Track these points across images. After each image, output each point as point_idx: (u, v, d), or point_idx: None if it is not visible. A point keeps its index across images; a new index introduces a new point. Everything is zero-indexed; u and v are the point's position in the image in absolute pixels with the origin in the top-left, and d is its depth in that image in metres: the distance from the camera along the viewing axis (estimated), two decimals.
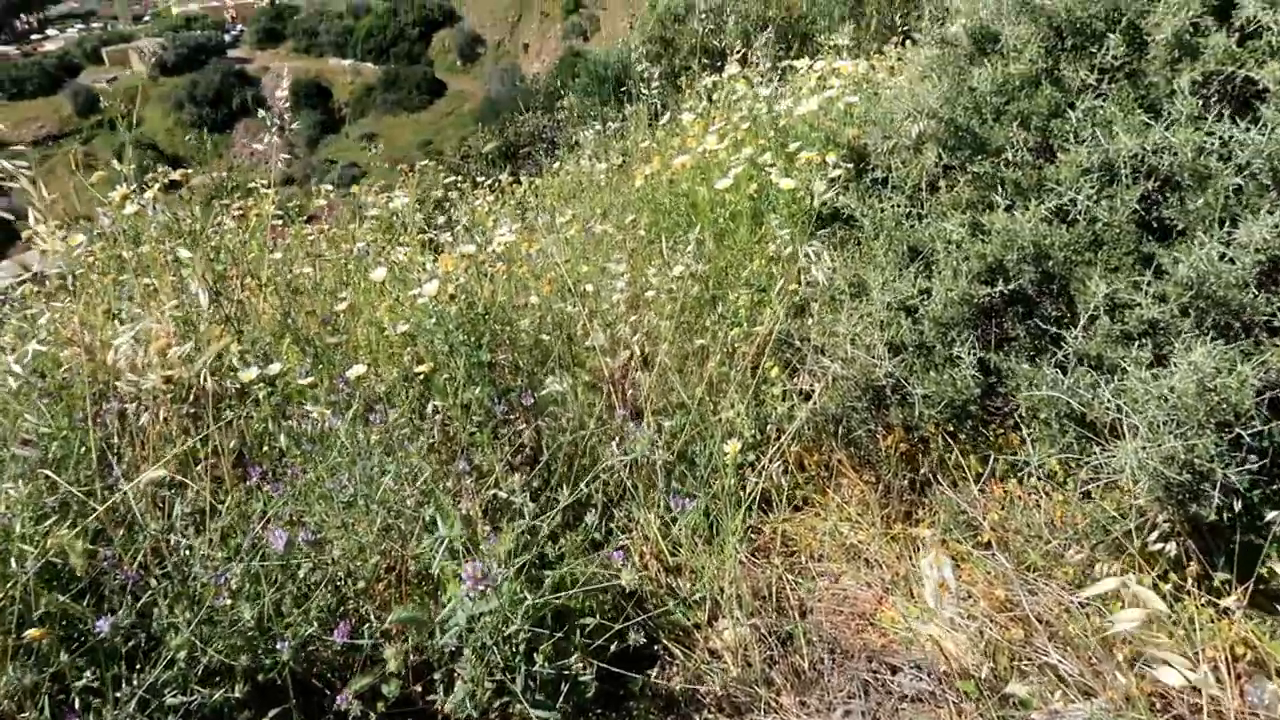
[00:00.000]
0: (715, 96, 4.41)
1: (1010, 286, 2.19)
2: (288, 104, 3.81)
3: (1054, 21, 2.74)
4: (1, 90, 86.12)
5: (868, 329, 2.41)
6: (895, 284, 2.53)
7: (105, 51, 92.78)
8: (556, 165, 5.24)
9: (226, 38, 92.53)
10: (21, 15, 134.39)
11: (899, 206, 2.75)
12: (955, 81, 2.87)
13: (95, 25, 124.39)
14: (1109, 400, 1.96)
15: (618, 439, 2.49)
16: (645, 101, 4.52)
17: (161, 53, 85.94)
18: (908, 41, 4.74)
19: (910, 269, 2.55)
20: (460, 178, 5.14)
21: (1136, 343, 2.03)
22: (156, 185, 2.64)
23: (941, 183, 2.87)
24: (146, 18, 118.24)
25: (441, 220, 5.10)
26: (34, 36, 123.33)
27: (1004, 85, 2.74)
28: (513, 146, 11.43)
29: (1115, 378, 1.99)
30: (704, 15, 10.93)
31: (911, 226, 2.69)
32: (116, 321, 2.13)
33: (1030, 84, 2.71)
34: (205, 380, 2.03)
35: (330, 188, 4.57)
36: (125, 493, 1.86)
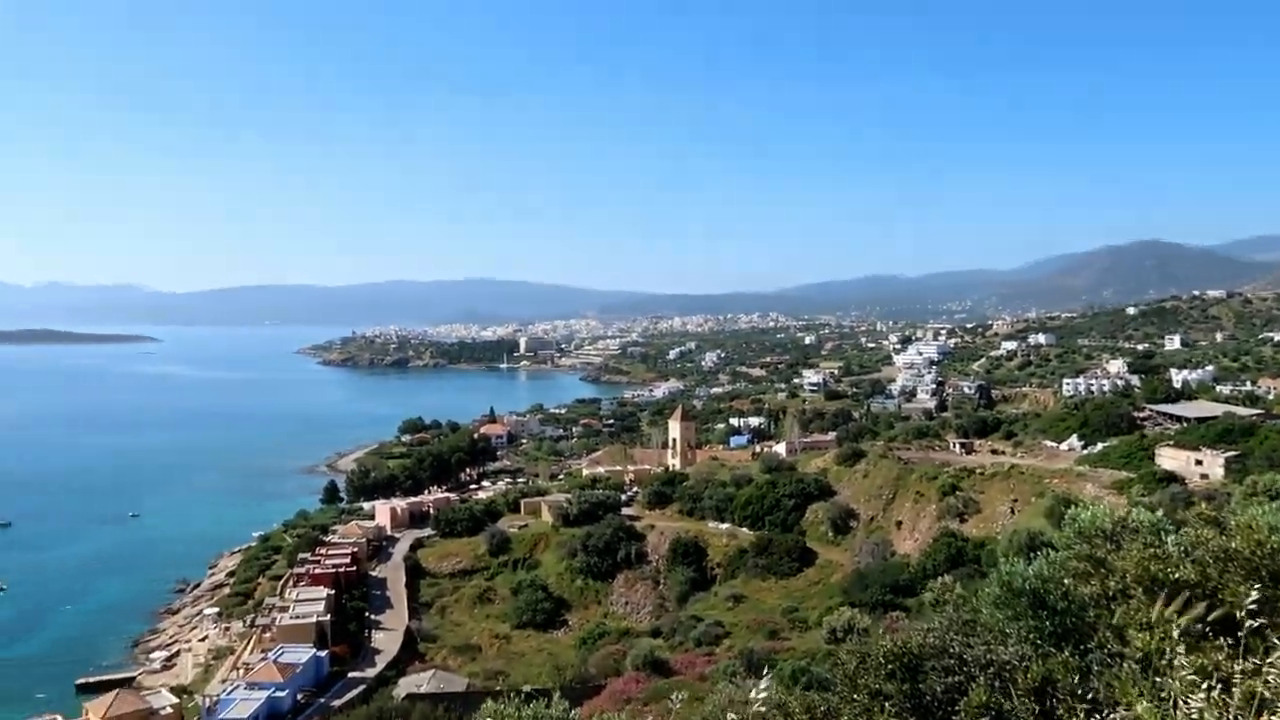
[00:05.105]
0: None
1: None
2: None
3: None
4: (438, 528, 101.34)
5: None
6: None
7: (523, 502, 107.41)
8: None
9: (623, 497, 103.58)
10: (467, 469, 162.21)
11: None
12: None
13: (520, 480, 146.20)
14: None
15: None
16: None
17: (567, 506, 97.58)
18: None
19: None
20: None
21: None
22: None
23: None
24: (561, 476, 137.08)
25: None
26: (472, 486, 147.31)
27: None
28: (916, 660, 10.56)
29: None
30: (1143, 539, 9.91)
31: None
32: None
33: None
34: None
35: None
36: None
